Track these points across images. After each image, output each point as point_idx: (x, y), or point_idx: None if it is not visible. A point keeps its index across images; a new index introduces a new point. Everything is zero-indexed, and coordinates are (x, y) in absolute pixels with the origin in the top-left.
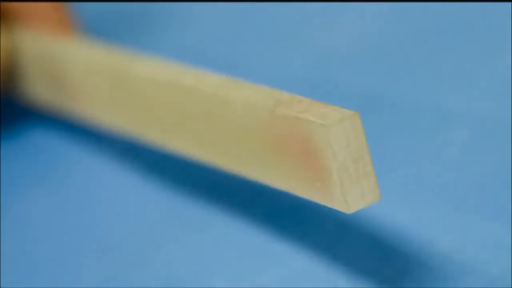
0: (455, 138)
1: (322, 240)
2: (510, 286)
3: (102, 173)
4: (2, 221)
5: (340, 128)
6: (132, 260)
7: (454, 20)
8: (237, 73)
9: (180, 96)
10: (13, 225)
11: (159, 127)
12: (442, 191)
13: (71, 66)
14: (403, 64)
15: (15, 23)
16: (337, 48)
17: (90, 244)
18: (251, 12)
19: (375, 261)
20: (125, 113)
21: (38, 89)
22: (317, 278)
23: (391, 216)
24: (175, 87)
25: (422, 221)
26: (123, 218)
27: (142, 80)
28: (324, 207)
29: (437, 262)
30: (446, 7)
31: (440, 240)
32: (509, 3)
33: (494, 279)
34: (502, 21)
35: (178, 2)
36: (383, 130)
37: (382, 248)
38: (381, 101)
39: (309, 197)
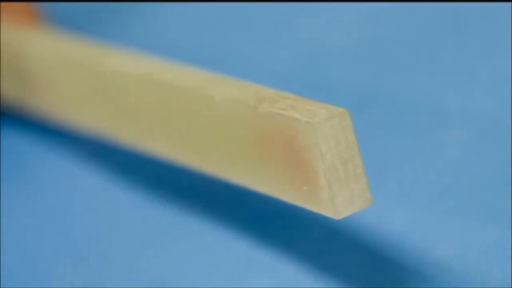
0: (453, 138)
1: (309, 247)
2: None
3: (73, 175)
4: None
5: (328, 126)
6: (108, 268)
7: (453, 17)
8: (219, 68)
9: (156, 92)
10: None
11: (134, 126)
12: (439, 194)
13: (39, 60)
14: (399, 60)
15: None
16: (328, 42)
17: (63, 252)
18: (236, 3)
19: (367, 270)
20: (98, 111)
21: (3, 85)
22: None
23: (384, 222)
24: (151, 82)
25: (417, 227)
26: (98, 223)
27: (116, 75)
28: (311, 212)
29: (434, 270)
30: (445, 4)
31: (437, 247)
32: (509, 3)
33: None
34: (502, 19)
35: None
36: (376, 129)
37: (374, 256)
38: (375, 99)
39: (294, 201)
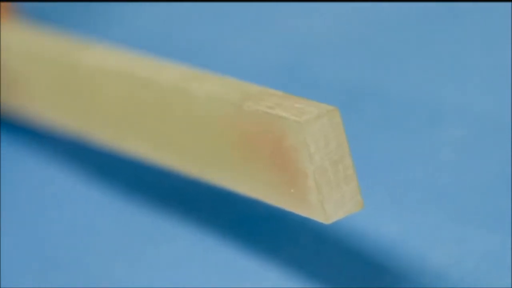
0: (449, 137)
1: (297, 253)
2: None
3: (44, 177)
4: None
5: (317, 125)
6: (81, 277)
7: (449, 9)
8: (202, 64)
9: (134, 89)
10: None
11: (110, 124)
12: (435, 197)
13: (8, 54)
14: (392, 54)
15: None
16: (318, 37)
17: (36, 256)
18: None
19: (358, 278)
20: (71, 109)
21: None
22: None
23: (376, 227)
24: (128, 78)
25: (412, 232)
26: (73, 227)
27: (91, 70)
28: (299, 216)
29: (429, 278)
30: None
31: (433, 254)
32: None
33: None
34: (501, 11)
35: None
36: (368, 128)
37: (366, 263)
38: (366, 96)
39: (281, 205)
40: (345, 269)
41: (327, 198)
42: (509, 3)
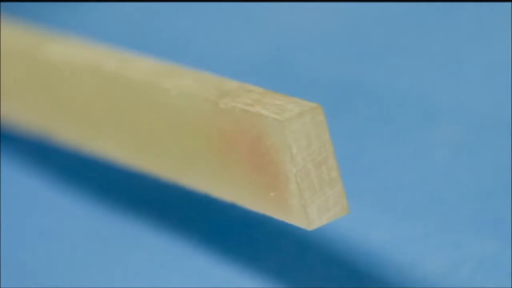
0: (443, 137)
1: (278, 262)
2: None
3: (7, 180)
4: None
5: (299, 124)
6: (49, 284)
7: (445, 7)
8: (175, 58)
9: (103, 84)
10: None
11: (77, 123)
12: (427, 202)
13: None
14: (383, 50)
15: None
16: (300, 29)
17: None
18: None
19: None
20: (36, 106)
21: None
22: None
23: (363, 233)
24: (96, 73)
25: (402, 239)
26: (38, 234)
27: (56, 65)
28: (280, 222)
29: (421, 287)
30: None
31: (425, 262)
32: None
33: None
34: (498, 3)
35: None
36: (354, 128)
37: (352, 273)
38: (352, 92)
39: (261, 209)
40: (330, 279)
41: (309, 202)
42: (509, 3)
